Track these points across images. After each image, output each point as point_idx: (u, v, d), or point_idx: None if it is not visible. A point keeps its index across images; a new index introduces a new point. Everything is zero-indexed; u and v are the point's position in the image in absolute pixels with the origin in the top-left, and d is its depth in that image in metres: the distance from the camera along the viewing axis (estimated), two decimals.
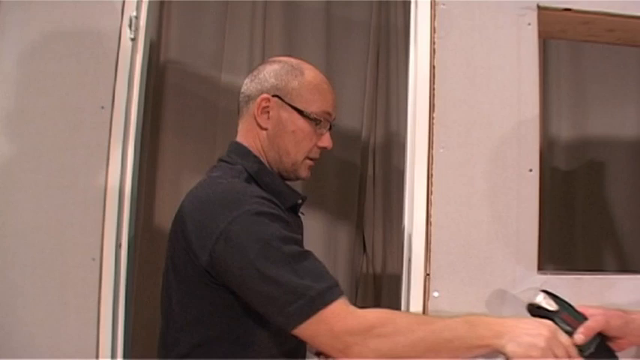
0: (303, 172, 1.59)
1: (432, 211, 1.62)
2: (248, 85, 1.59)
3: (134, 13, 1.74)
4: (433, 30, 1.67)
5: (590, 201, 2.68)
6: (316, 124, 1.55)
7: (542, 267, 1.67)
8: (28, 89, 1.72)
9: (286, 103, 1.53)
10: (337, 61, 2.72)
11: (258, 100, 1.54)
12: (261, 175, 1.52)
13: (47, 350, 1.65)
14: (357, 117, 2.71)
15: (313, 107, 1.54)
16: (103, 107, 1.71)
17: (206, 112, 2.55)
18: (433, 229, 1.62)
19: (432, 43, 1.67)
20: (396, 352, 1.26)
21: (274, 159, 1.56)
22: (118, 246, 1.70)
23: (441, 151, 1.64)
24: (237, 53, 2.61)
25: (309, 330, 1.26)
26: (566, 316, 1.37)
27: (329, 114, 1.57)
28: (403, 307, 1.64)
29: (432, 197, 1.63)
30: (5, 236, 1.68)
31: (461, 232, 1.63)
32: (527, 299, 1.58)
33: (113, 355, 1.67)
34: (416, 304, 1.60)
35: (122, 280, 1.70)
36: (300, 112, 1.53)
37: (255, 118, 1.55)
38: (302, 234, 1.62)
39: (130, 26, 1.73)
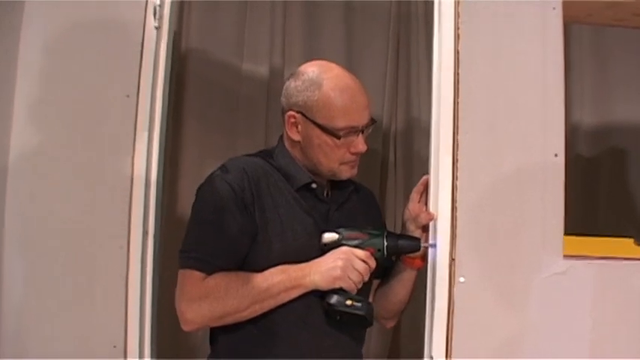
0: (345, 174, 1.66)
1: (458, 197, 1.62)
2: (282, 98, 1.67)
3: (158, 2, 1.75)
4: (457, 15, 1.66)
5: (614, 188, 2.65)
6: (339, 137, 1.58)
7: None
8: (54, 79, 1.74)
9: (309, 119, 1.60)
10: (358, 48, 2.70)
11: (286, 116, 1.64)
12: (278, 156, 1.67)
13: (75, 338, 1.68)
14: (378, 103, 2.70)
15: (335, 122, 1.59)
16: (128, 95, 1.73)
17: (227, 100, 2.55)
18: (458, 214, 1.62)
19: (456, 28, 1.66)
20: (225, 311, 1.51)
21: (311, 166, 1.65)
22: (145, 233, 1.72)
23: (466, 135, 1.63)
24: (257, 41, 2.60)
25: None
26: (349, 234, 1.57)
27: (352, 127, 1.60)
28: (429, 292, 1.64)
29: (457, 182, 1.63)
30: (33, 225, 1.71)
31: (486, 217, 1.62)
32: (551, 284, 1.60)
33: (141, 342, 1.69)
34: (441, 290, 1.60)
35: (149, 267, 1.72)
36: (322, 127, 1.58)
37: (287, 132, 1.65)
38: (327, 212, 1.66)
39: (154, 15, 1.74)
